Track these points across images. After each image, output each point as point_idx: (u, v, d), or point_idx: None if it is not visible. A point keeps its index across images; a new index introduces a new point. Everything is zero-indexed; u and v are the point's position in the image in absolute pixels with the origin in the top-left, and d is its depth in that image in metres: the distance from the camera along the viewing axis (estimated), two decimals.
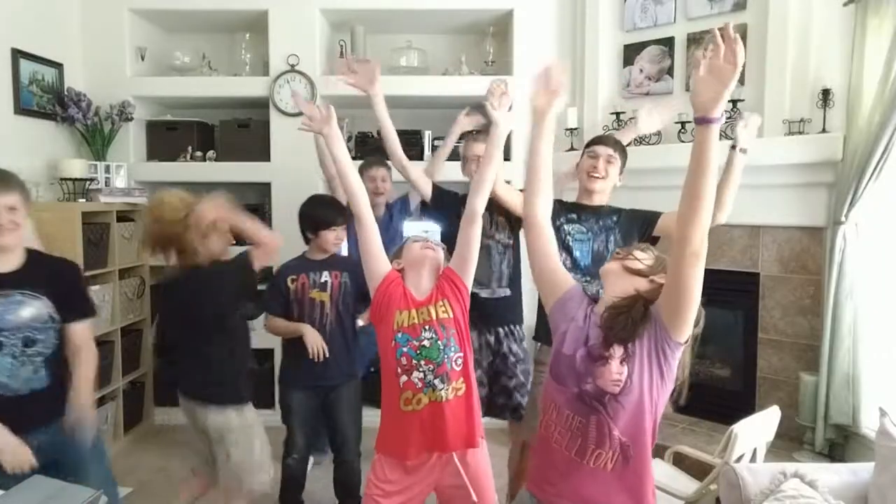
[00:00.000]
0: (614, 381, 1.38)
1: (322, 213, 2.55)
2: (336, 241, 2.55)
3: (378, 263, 1.83)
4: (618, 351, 1.38)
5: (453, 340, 1.78)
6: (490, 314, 2.49)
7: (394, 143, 2.53)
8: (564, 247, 2.21)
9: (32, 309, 1.72)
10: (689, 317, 1.33)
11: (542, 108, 1.62)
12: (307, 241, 2.57)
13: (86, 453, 1.84)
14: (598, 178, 2.22)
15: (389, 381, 1.79)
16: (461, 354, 1.79)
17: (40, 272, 1.78)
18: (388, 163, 2.88)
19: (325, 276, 2.53)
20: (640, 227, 2.24)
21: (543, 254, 1.59)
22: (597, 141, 2.29)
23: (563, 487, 1.44)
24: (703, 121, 1.21)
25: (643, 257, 1.48)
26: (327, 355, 2.44)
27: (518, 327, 2.56)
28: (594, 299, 1.55)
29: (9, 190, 1.73)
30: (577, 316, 1.50)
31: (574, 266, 2.20)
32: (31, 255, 1.81)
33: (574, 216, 2.27)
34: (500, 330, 2.51)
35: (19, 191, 1.76)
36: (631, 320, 1.38)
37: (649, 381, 1.38)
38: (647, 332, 1.38)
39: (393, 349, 1.76)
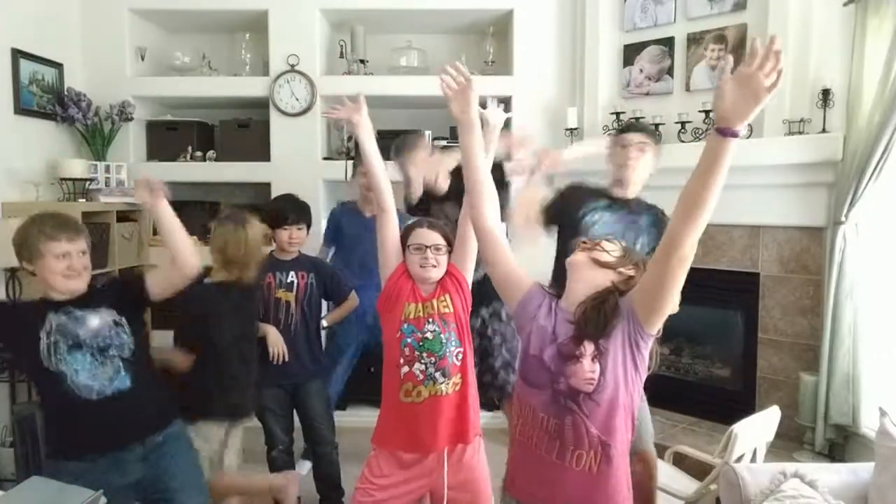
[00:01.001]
0: (587, 379, 1.35)
1: (276, 210, 2.55)
2: (290, 240, 2.53)
3: (392, 256, 1.86)
4: (589, 348, 1.36)
5: (454, 335, 1.81)
6: (474, 295, 2.48)
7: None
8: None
9: (97, 318, 1.80)
10: (666, 312, 1.32)
11: (460, 112, 1.56)
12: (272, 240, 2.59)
13: (185, 473, 1.90)
14: (631, 167, 2.12)
15: (391, 372, 1.81)
16: (461, 349, 1.82)
17: (97, 294, 1.87)
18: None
19: (292, 277, 2.54)
20: None
21: (500, 261, 1.57)
22: (627, 128, 2.21)
23: (550, 492, 1.42)
24: (725, 132, 1.13)
25: (611, 248, 1.45)
26: (286, 359, 2.46)
27: (502, 305, 2.52)
28: (556, 295, 1.51)
29: (80, 235, 1.82)
30: (538, 314, 1.47)
31: None
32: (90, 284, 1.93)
33: (603, 203, 2.17)
34: (485, 311, 2.49)
35: (86, 235, 1.86)
36: (604, 316, 1.35)
37: (623, 375, 1.36)
38: (620, 325, 1.35)
39: (398, 340, 1.78)
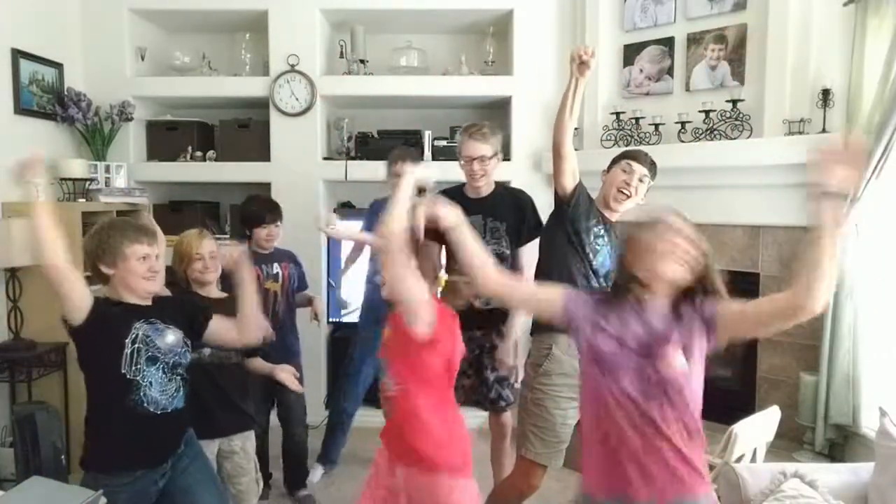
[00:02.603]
0: (675, 372, 1.41)
1: (252, 211, 2.70)
2: (267, 237, 2.67)
3: (427, 302, 1.66)
4: (677, 344, 1.42)
5: None
6: (484, 319, 2.45)
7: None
8: (590, 250, 2.11)
9: (172, 335, 1.82)
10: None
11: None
12: (248, 238, 2.69)
13: (203, 473, 1.92)
14: (627, 195, 2.13)
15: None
16: None
17: (167, 307, 1.88)
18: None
19: (277, 268, 2.71)
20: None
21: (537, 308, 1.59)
22: (633, 156, 2.17)
23: (642, 485, 1.43)
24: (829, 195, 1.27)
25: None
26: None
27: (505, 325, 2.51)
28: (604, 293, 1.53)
29: (156, 239, 1.88)
30: (605, 313, 1.49)
31: (593, 273, 2.11)
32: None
33: (599, 220, 2.15)
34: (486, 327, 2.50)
35: (159, 239, 1.92)
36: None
37: (699, 369, 1.46)
38: (698, 329, 1.46)
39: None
